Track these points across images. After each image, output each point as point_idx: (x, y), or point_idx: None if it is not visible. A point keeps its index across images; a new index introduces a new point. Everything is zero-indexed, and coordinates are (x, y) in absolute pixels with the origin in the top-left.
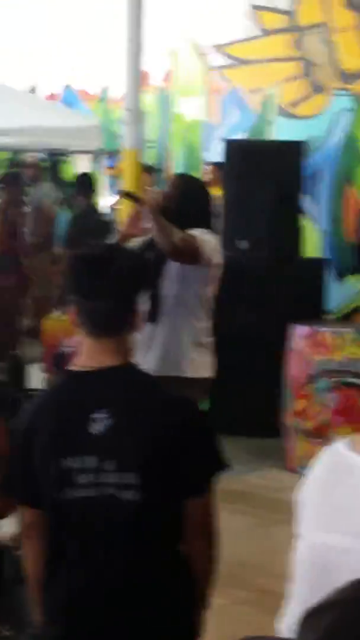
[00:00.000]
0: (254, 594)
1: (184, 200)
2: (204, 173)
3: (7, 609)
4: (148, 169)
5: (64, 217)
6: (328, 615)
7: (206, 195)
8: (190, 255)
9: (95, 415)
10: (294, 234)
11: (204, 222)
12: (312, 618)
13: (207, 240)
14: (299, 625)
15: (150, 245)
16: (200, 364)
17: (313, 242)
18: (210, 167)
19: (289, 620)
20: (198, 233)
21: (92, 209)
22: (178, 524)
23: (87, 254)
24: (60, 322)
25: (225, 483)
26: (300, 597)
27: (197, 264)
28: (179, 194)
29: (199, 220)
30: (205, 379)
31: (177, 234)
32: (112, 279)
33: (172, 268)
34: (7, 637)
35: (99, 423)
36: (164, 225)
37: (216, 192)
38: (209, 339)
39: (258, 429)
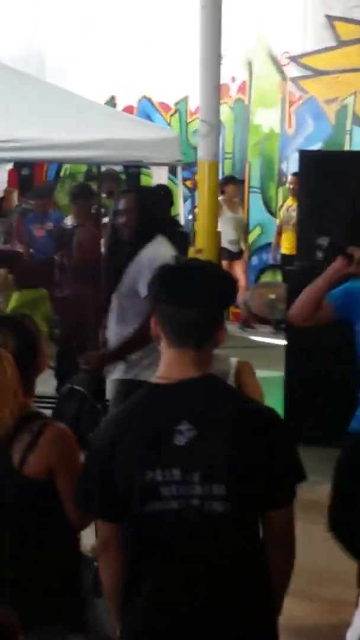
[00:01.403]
0: (331, 604)
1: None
2: (288, 183)
3: (83, 622)
4: (233, 180)
5: None
6: None
7: (151, 207)
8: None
9: (180, 427)
10: None
11: (155, 231)
12: None
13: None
14: None
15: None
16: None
17: None
18: (292, 178)
19: (355, 630)
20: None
21: (169, 222)
22: (260, 534)
23: (179, 264)
24: None
25: (300, 492)
26: None
27: None
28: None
29: (150, 233)
30: None
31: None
32: (202, 289)
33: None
34: None
35: (183, 435)
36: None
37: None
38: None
39: (334, 438)
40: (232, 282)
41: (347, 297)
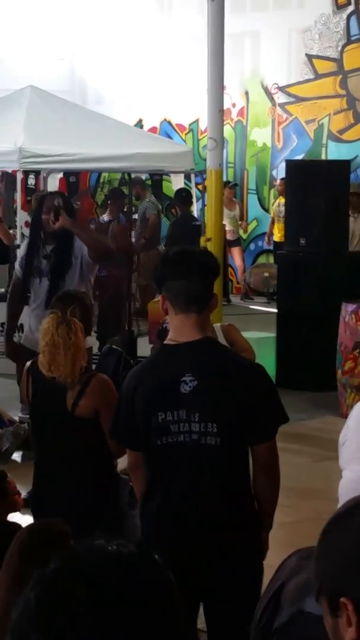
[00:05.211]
0: (312, 513)
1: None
2: (277, 185)
3: (120, 531)
4: (226, 184)
5: (165, 223)
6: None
7: None
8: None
9: (184, 378)
10: (342, 233)
11: None
12: (342, 520)
13: None
14: (328, 529)
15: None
16: None
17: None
18: (280, 181)
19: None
20: None
21: (187, 217)
22: (247, 463)
23: (181, 249)
24: None
25: (290, 428)
26: None
27: None
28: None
29: None
30: None
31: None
32: (199, 266)
33: None
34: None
35: (188, 384)
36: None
37: (284, 200)
38: None
39: (318, 385)
40: (217, 261)
41: None
